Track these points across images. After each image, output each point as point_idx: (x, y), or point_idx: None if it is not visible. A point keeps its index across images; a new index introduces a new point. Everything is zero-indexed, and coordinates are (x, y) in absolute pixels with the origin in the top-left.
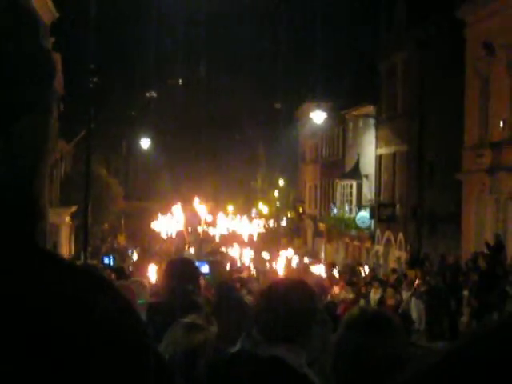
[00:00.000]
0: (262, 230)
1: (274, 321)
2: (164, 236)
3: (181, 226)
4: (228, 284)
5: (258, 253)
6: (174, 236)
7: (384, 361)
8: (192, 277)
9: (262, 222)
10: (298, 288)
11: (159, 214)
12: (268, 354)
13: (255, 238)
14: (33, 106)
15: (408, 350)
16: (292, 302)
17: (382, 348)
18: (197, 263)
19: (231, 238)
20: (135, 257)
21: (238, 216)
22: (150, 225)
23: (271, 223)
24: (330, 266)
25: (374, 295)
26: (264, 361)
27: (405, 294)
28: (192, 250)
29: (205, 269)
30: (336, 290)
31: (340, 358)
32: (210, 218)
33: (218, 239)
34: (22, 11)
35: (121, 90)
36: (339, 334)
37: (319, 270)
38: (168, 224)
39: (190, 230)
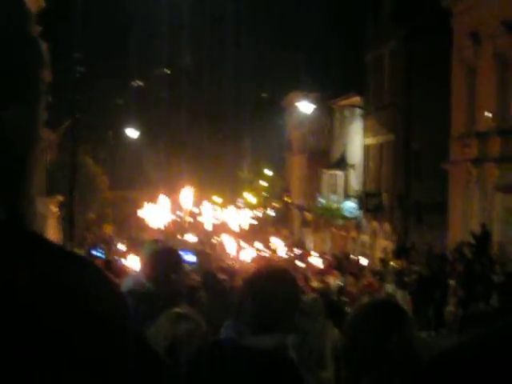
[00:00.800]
0: (254, 221)
1: (257, 310)
2: (150, 225)
3: (167, 216)
4: (212, 273)
5: (248, 243)
6: (162, 226)
7: (400, 347)
8: (176, 266)
9: (249, 212)
10: (280, 276)
11: (145, 203)
12: (251, 343)
13: (246, 229)
14: (22, 95)
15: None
16: (275, 290)
17: (398, 335)
18: (183, 252)
19: (221, 228)
20: (121, 247)
21: (227, 206)
22: (136, 214)
23: (258, 213)
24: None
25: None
26: (247, 350)
27: (388, 286)
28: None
29: (191, 258)
30: (331, 279)
31: (355, 346)
32: (195, 209)
33: (207, 228)
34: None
35: (107, 79)
36: (354, 321)
37: (315, 260)
38: (154, 213)
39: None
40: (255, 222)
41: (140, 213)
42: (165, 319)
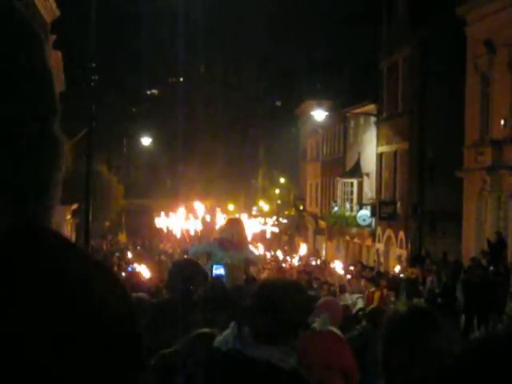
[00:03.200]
0: (275, 229)
1: (265, 322)
2: (166, 233)
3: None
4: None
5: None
6: (179, 234)
7: (437, 352)
8: (194, 278)
9: (263, 220)
10: (291, 290)
11: (162, 213)
12: (258, 355)
13: (268, 236)
14: (49, 108)
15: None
16: (285, 304)
17: (436, 340)
18: (214, 266)
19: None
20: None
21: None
22: (150, 222)
23: (271, 221)
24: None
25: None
26: (253, 362)
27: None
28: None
29: (221, 271)
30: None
31: (395, 350)
32: (208, 218)
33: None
34: (28, 30)
35: (122, 88)
36: (392, 327)
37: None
38: (174, 222)
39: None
40: (276, 230)
41: (157, 222)
42: (199, 341)
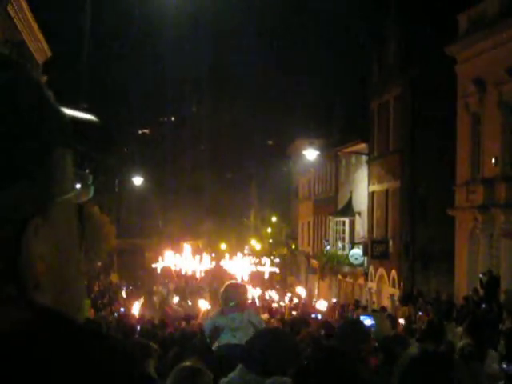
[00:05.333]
0: (275, 269)
1: (262, 361)
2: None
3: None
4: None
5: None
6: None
7: None
8: None
9: (268, 259)
10: (283, 339)
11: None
12: None
13: (266, 276)
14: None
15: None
16: (276, 349)
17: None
18: (363, 316)
19: (253, 278)
20: (124, 294)
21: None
22: (142, 262)
23: (264, 260)
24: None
25: None
26: None
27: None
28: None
29: (369, 321)
30: None
31: None
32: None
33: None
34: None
35: (113, 127)
36: (405, 371)
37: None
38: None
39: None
40: (277, 270)
41: (154, 263)
42: (183, 373)
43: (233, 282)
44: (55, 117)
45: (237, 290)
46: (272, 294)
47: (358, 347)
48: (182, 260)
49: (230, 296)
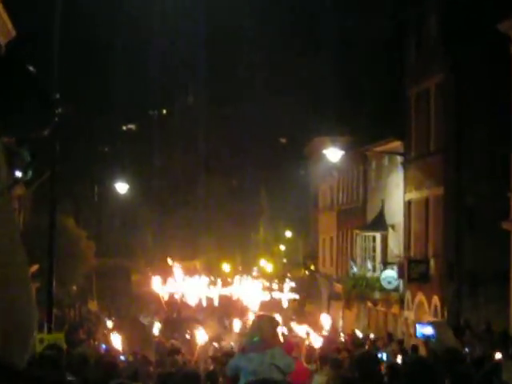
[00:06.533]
0: (295, 296)
1: None
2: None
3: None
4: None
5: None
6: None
7: None
8: None
9: (265, 283)
10: None
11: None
12: None
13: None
14: None
15: None
16: None
17: None
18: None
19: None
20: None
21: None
22: (127, 286)
23: (280, 284)
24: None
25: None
26: None
27: None
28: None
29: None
30: None
31: None
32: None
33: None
34: None
35: (92, 123)
36: None
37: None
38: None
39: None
40: (296, 297)
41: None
42: None
43: (261, 313)
44: None
45: (261, 324)
46: (297, 328)
47: None
48: (174, 284)
49: (253, 330)
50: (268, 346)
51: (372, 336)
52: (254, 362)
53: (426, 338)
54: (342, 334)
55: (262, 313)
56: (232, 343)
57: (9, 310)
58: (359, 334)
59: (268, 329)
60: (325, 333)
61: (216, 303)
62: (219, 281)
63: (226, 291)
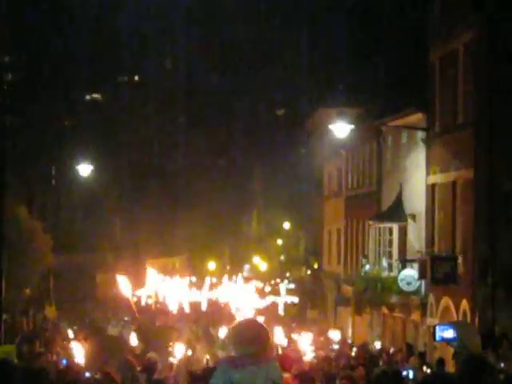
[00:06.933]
0: (294, 299)
1: None
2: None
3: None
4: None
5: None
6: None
7: None
8: None
9: (258, 284)
10: None
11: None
12: None
13: (281, 311)
14: None
15: None
16: None
17: None
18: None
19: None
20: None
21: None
22: (92, 288)
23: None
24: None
25: None
26: None
27: None
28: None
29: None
30: None
31: None
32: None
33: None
34: None
35: (49, 92)
36: None
37: None
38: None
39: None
40: (295, 300)
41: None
42: None
43: (247, 319)
44: None
45: (256, 333)
46: (298, 337)
47: None
48: (149, 286)
49: (244, 341)
50: (264, 358)
51: (391, 349)
52: (251, 375)
53: (447, 342)
54: (354, 348)
55: (248, 319)
56: (207, 356)
57: None
58: (375, 345)
59: (264, 339)
60: (334, 346)
61: (203, 308)
62: (208, 281)
63: (212, 295)
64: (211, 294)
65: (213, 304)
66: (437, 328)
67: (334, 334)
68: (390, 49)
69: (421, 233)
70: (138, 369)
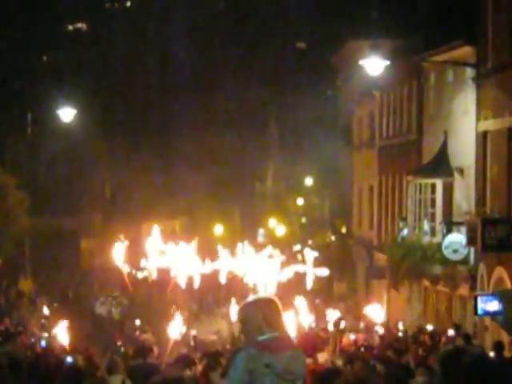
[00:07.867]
0: (324, 273)
1: None
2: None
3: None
4: None
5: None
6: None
7: None
8: None
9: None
10: None
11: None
12: None
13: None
14: None
15: None
16: None
17: None
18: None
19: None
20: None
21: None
22: (76, 257)
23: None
24: None
25: None
26: None
27: None
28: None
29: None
30: None
31: None
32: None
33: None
34: None
35: (26, 23)
36: None
37: None
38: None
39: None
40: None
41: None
42: None
43: (268, 298)
44: None
45: (279, 311)
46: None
47: None
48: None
49: (270, 320)
50: (291, 345)
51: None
52: (289, 360)
53: (492, 316)
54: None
55: (271, 297)
56: (213, 336)
57: None
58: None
59: (283, 319)
60: (378, 328)
61: (223, 281)
62: (223, 251)
63: (221, 265)
64: (222, 264)
65: (229, 277)
66: (478, 299)
67: (375, 312)
68: None
69: (470, 190)
70: (131, 353)
